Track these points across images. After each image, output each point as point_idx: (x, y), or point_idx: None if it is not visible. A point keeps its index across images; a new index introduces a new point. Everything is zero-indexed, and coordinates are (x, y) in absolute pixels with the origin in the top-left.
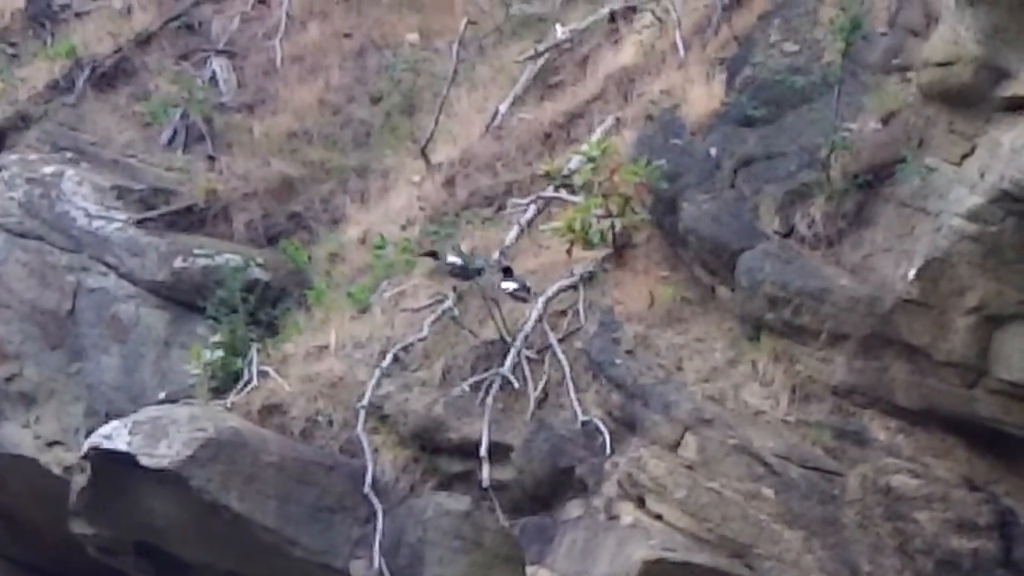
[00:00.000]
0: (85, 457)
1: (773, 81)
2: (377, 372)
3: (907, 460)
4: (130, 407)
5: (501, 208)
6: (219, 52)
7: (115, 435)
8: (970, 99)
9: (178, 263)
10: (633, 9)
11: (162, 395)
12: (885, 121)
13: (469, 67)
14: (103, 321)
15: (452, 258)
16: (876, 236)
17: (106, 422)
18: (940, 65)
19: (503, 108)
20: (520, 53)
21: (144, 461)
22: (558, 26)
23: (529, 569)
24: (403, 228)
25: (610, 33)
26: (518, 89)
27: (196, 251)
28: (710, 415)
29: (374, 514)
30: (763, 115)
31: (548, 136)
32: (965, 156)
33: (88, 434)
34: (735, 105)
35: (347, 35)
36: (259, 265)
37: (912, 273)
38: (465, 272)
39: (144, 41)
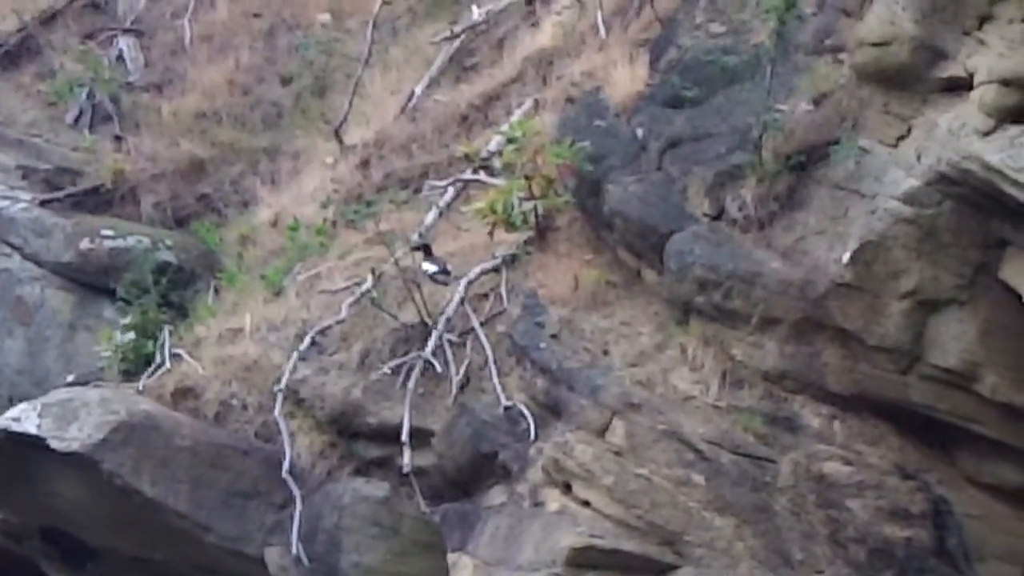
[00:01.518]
0: None
1: (702, 61)
2: (295, 355)
3: (839, 447)
4: (34, 391)
5: (417, 191)
6: (126, 31)
7: (24, 417)
8: (906, 80)
9: (84, 244)
10: None
11: (70, 378)
12: (817, 102)
13: (382, 48)
14: (7, 303)
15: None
16: (809, 219)
17: (9, 406)
18: (876, 45)
19: (419, 90)
20: (434, 34)
21: (54, 444)
22: (474, 7)
23: (450, 556)
24: (323, 207)
25: (527, 15)
26: (433, 71)
27: (103, 232)
28: (638, 400)
29: (290, 500)
30: (694, 95)
31: (465, 118)
32: (901, 138)
33: None
34: (662, 86)
35: (257, 15)
36: (168, 247)
37: (846, 256)
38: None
39: (49, 19)
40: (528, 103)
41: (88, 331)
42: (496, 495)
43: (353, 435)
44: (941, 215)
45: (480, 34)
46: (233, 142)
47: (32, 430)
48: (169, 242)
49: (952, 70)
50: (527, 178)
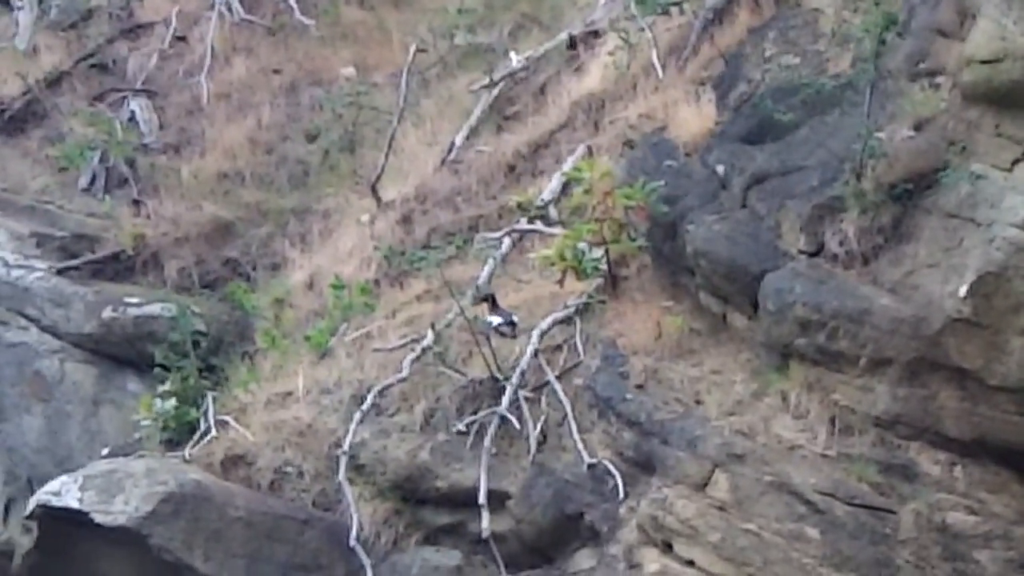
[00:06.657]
0: (30, 516)
1: (784, 91)
2: (356, 416)
3: (961, 496)
4: (56, 471)
5: (466, 244)
6: (137, 92)
7: (64, 491)
8: (1020, 99)
9: (107, 313)
10: (595, 34)
11: (105, 451)
12: (918, 128)
13: (414, 101)
14: (24, 378)
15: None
16: (918, 251)
17: (29, 488)
18: (985, 63)
19: (459, 140)
20: (469, 84)
21: (98, 519)
22: (512, 54)
23: None
24: (386, 258)
25: (570, 60)
26: (472, 120)
27: (127, 300)
28: (741, 450)
29: (354, 572)
30: (788, 121)
31: (512, 168)
32: (1017, 161)
33: (8, 502)
34: (736, 121)
35: (276, 71)
36: (196, 314)
37: (963, 289)
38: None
39: (54, 82)
40: (580, 149)
41: (113, 405)
42: (583, 559)
43: (419, 501)
44: None
45: (520, 82)
46: (259, 203)
47: (74, 504)
48: (197, 309)
49: None
50: (597, 222)
